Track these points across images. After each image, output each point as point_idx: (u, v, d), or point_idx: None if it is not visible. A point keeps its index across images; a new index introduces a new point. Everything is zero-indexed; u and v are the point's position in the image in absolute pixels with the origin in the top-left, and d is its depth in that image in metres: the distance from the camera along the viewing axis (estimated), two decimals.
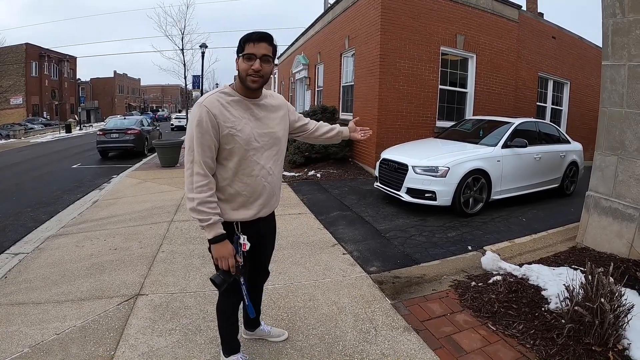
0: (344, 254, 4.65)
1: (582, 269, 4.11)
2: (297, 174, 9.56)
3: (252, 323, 2.88)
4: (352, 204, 6.89)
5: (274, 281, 3.87)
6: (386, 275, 4.08)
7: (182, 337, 2.96)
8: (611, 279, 2.86)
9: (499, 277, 3.88)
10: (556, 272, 3.97)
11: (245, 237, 2.19)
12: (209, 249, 2.23)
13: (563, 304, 3.21)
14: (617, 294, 2.83)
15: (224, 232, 2.09)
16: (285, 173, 9.70)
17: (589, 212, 4.89)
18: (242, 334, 2.89)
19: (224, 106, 2.08)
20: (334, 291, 3.71)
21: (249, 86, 2.09)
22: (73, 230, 5.79)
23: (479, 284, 3.82)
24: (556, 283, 3.65)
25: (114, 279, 3.99)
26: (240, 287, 2.23)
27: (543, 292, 3.58)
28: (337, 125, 2.78)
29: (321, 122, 2.75)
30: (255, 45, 2.03)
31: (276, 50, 2.16)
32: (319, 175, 9.32)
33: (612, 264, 3.07)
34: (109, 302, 3.48)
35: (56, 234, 5.65)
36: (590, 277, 2.99)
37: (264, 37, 2.06)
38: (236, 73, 2.15)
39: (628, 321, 2.82)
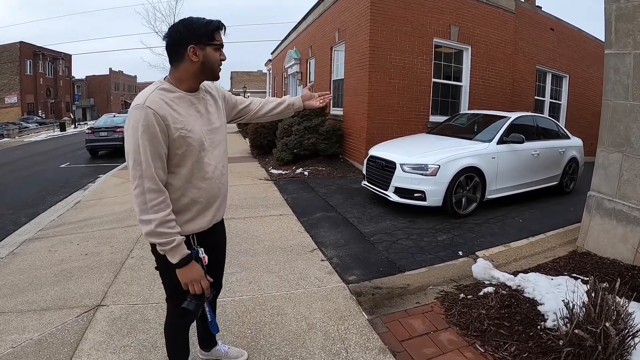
0: (322, 260, 4.28)
1: (583, 278, 3.80)
2: (284, 172, 9.17)
3: (208, 342, 2.54)
4: (338, 204, 6.51)
5: (242, 292, 3.58)
6: (366, 285, 3.71)
7: (135, 355, 2.72)
8: (618, 299, 2.49)
9: (490, 289, 3.51)
10: (554, 283, 3.62)
11: (202, 249, 1.93)
12: (157, 267, 1.94)
13: (561, 321, 2.87)
14: (623, 315, 2.46)
15: (189, 251, 1.81)
16: (273, 171, 9.37)
17: (591, 214, 4.55)
18: (198, 353, 2.58)
19: (169, 105, 1.77)
20: (306, 304, 3.35)
21: (218, 77, 1.93)
22: (50, 233, 5.61)
23: (468, 297, 3.44)
24: (554, 296, 3.30)
25: (79, 287, 3.77)
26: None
27: (539, 307, 3.21)
28: (288, 96, 2.49)
29: (268, 97, 2.48)
30: (223, 35, 1.88)
31: None
32: (306, 173, 8.93)
33: (619, 279, 2.68)
34: (69, 313, 3.27)
35: (33, 237, 5.48)
36: (593, 294, 2.64)
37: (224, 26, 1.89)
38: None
39: (635, 345, 2.45)
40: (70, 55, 54.10)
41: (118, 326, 3.06)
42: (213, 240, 2.06)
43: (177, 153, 1.78)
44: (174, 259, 1.76)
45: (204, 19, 1.81)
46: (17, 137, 31.25)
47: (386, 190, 6.00)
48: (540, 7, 12.84)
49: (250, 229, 5.26)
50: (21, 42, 44.19)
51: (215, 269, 2.19)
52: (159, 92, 1.77)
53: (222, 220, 2.21)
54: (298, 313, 3.20)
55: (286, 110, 2.46)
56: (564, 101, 12.94)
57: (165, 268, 1.87)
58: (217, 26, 1.83)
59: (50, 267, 4.29)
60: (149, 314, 3.22)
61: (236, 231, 5.10)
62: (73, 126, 40.95)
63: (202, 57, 1.80)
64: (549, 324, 2.98)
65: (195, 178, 1.86)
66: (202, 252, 1.91)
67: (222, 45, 1.86)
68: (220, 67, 1.90)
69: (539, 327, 2.97)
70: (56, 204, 7.75)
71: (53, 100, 49.98)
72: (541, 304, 3.25)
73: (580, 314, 2.64)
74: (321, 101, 2.46)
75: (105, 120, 17.64)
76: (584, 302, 2.66)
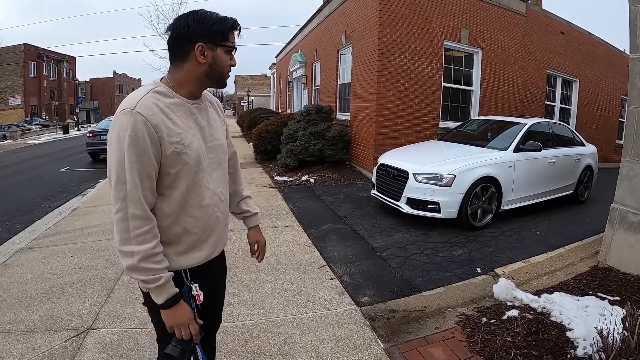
0: (332, 278, 4.01)
1: (610, 297, 3.59)
2: (289, 179, 8.92)
3: None
4: (346, 214, 6.24)
5: (245, 316, 3.31)
6: (380, 308, 3.44)
7: None
8: None
9: (515, 312, 3.25)
10: (581, 304, 3.38)
11: (197, 285, 1.62)
12: (145, 303, 1.63)
13: (592, 348, 2.65)
14: None
15: (177, 290, 1.51)
16: (277, 178, 9.12)
17: (614, 228, 4.31)
18: None
19: (164, 112, 1.46)
20: (316, 331, 3.09)
21: (224, 84, 1.63)
22: (44, 243, 5.40)
23: (491, 321, 3.19)
24: (583, 320, 3.07)
25: (70, 306, 3.53)
26: (195, 347, 1.67)
27: (568, 334, 2.97)
28: (250, 200, 2.07)
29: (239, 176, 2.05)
30: (237, 36, 1.59)
31: None
32: (312, 180, 8.67)
33: None
34: (58, 337, 3.04)
35: (26, 247, 5.27)
36: (629, 322, 2.40)
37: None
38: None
39: None
40: (75, 57, 54.18)
41: (109, 354, 2.82)
42: (209, 274, 1.74)
43: (170, 172, 1.49)
44: (159, 299, 1.46)
45: (217, 14, 1.53)
46: (19, 139, 31.29)
47: (398, 200, 5.73)
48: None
49: None
50: (25, 44, 44.24)
51: (213, 306, 1.93)
52: (154, 96, 1.47)
53: (223, 252, 1.91)
54: (307, 341, 2.95)
55: (235, 206, 2.02)
56: (574, 106, 12.67)
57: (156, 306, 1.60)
58: (233, 25, 1.55)
59: (41, 282, 4.07)
60: (143, 341, 2.94)
61: (239, 245, 4.84)
62: (76, 129, 40.87)
63: (210, 58, 1.52)
64: (580, 352, 2.76)
65: (189, 204, 1.56)
66: (196, 289, 1.62)
67: (235, 48, 1.59)
68: (230, 73, 1.62)
69: (569, 355, 2.76)
70: (53, 211, 7.55)
71: (57, 103, 50.00)
72: (570, 330, 3.02)
73: (615, 344, 2.41)
74: (257, 257, 2.07)
75: (107, 123, 17.49)
76: (624, 334, 2.43)
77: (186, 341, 1.54)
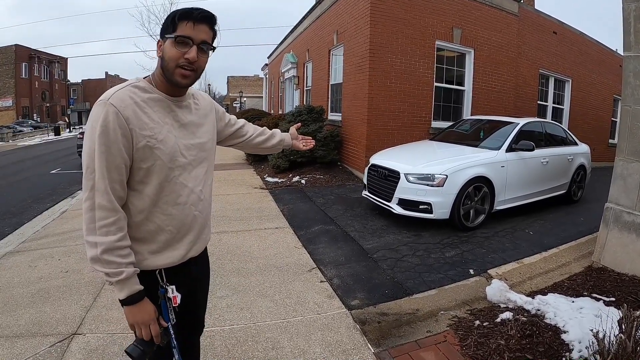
0: (321, 281, 3.93)
1: (605, 298, 3.54)
2: (280, 180, 8.84)
3: None
4: (337, 215, 6.16)
5: (233, 320, 3.23)
6: (371, 311, 3.36)
7: None
8: None
9: (508, 315, 3.18)
10: (576, 306, 3.32)
11: (174, 287, 1.57)
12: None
13: (588, 351, 2.61)
14: None
15: (142, 287, 1.46)
16: (268, 179, 9.02)
17: (608, 227, 4.27)
18: None
19: (139, 106, 1.44)
20: (304, 335, 3.00)
21: (178, 82, 1.48)
22: (32, 246, 5.30)
23: (484, 324, 3.11)
24: (578, 322, 3.01)
25: (56, 310, 3.46)
26: (172, 350, 1.61)
27: (563, 336, 2.92)
28: (278, 130, 2.24)
29: (264, 128, 2.17)
30: (195, 27, 1.44)
31: (216, 37, 1.54)
32: (303, 181, 8.58)
33: None
34: (43, 342, 2.98)
35: (14, 250, 5.17)
36: (625, 325, 2.34)
37: (207, 17, 1.47)
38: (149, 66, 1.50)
39: None
40: (66, 58, 53.80)
41: None
42: (188, 276, 1.69)
43: (142, 167, 1.45)
44: (120, 294, 1.43)
45: (183, 8, 1.46)
46: (10, 141, 30.97)
47: (389, 201, 5.65)
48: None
49: (244, 244, 4.92)
50: (17, 45, 43.90)
51: (193, 310, 1.87)
52: (131, 89, 1.46)
53: (205, 252, 1.85)
54: (295, 346, 2.86)
55: (277, 146, 2.23)
56: (566, 106, 12.69)
57: None
58: (182, 15, 1.43)
59: (28, 286, 3.99)
60: None
61: (228, 247, 4.76)
62: (68, 130, 40.58)
63: (161, 51, 1.48)
64: (575, 355, 2.71)
65: (163, 201, 1.52)
66: (172, 291, 1.57)
67: (183, 38, 1.43)
68: (184, 68, 1.45)
69: (564, 358, 2.70)
70: (42, 213, 7.43)
71: (48, 104, 49.61)
72: (565, 332, 2.97)
73: (612, 347, 2.35)
74: (304, 144, 2.31)
75: None
76: (620, 337, 2.37)
77: (148, 343, 1.51)
